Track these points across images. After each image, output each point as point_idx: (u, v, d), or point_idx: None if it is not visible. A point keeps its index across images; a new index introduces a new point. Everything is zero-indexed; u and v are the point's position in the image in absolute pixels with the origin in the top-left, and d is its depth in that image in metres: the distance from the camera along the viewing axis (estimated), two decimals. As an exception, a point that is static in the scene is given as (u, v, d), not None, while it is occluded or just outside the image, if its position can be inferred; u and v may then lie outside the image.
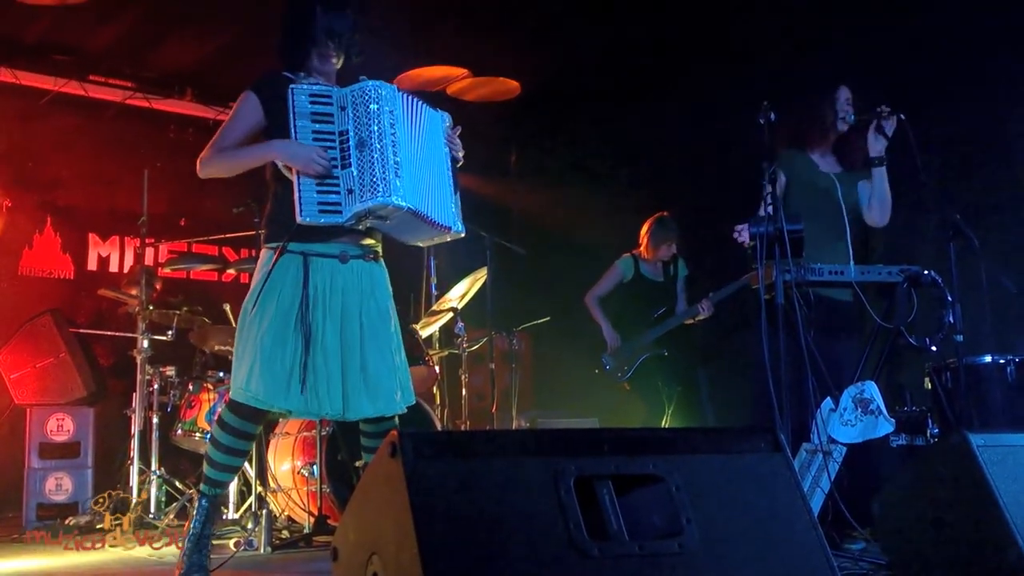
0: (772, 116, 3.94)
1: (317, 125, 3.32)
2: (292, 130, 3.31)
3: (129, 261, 7.35)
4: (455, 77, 7.39)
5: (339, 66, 3.58)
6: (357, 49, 3.58)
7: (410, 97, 3.45)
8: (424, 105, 3.50)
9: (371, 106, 3.29)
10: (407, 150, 3.36)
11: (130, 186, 6.38)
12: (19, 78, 6.73)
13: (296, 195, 3.28)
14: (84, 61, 6.91)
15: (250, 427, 3.39)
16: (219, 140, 3.47)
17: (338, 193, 3.31)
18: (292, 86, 3.34)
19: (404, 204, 3.28)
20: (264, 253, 3.46)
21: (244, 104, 3.49)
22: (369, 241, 3.52)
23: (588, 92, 7.49)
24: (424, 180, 3.43)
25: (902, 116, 4.17)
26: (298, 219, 3.28)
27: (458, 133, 3.65)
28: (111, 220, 7.30)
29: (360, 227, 3.41)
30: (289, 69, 3.53)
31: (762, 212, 3.92)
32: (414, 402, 3.55)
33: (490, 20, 6.45)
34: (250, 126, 3.48)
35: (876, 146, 4.30)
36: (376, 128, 3.28)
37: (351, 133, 3.30)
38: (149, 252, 6.75)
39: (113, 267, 7.38)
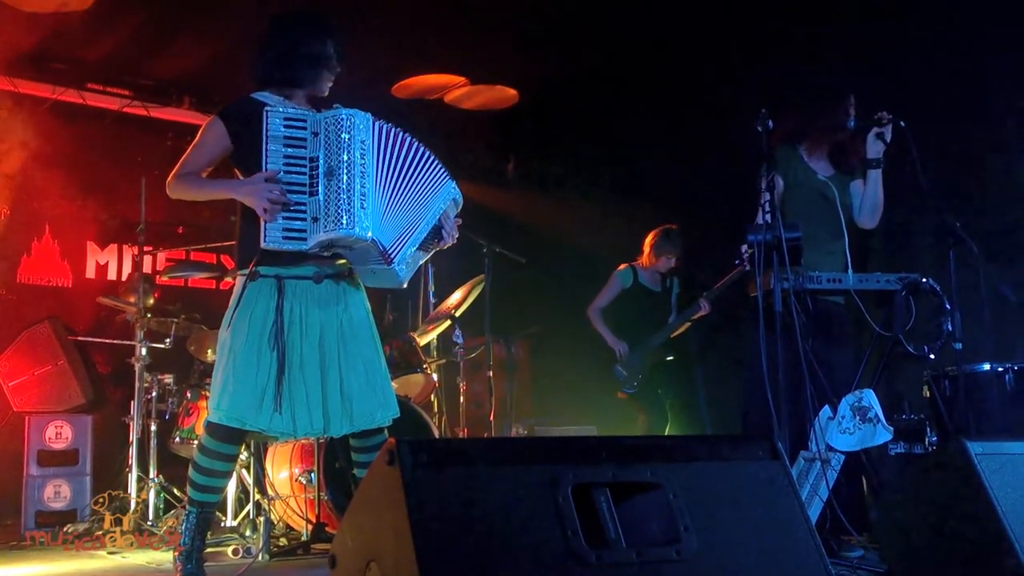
0: (770, 123, 3.94)
1: (289, 150, 3.31)
2: (263, 153, 3.29)
3: (127, 269, 7.32)
4: (453, 85, 7.39)
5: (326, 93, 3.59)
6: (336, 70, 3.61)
7: (403, 135, 3.45)
8: (437, 165, 3.51)
9: (343, 135, 3.28)
10: (375, 181, 3.35)
11: (128, 194, 6.37)
12: (17, 86, 6.72)
13: (262, 220, 3.29)
14: (82, 69, 6.90)
15: (227, 448, 3.39)
16: (184, 166, 3.48)
17: (304, 220, 3.31)
18: (267, 109, 3.32)
19: (368, 236, 3.28)
20: (237, 280, 3.46)
21: (210, 131, 3.49)
22: (341, 260, 3.52)
23: (586, 100, 7.49)
24: (397, 217, 3.42)
25: (902, 123, 4.16)
26: (262, 243, 3.29)
27: (458, 224, 3.63)
28: (109, 228, 7.27)
29: (324, 254, 3.41)
30: (264, 88, 3.53)
31: (760, 219, 3.92)
32: (398, 415, 3.54)
33: (488, 28, 6.45)
34: (215, 154, 3.50)
35: (875, 148, 4.28)
36: (346, 157, 3.27)
37: (321, 160, 3.29)
38: (147, 260, 6.73)
39: (111, 275, 7.36)
